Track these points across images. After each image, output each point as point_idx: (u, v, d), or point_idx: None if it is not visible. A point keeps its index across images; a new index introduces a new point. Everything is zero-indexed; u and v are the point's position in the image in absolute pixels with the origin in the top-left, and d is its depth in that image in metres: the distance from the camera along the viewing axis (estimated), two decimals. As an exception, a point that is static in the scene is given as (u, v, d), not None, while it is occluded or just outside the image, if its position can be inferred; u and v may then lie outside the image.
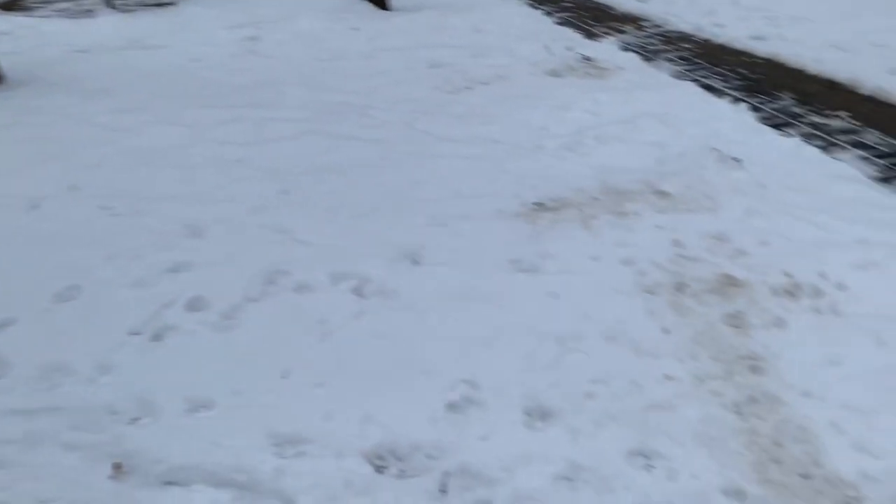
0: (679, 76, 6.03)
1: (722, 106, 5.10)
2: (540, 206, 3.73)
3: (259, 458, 2.31)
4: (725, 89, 5.67)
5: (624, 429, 2.41)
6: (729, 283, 3.05)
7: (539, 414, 2.50)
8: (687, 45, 7.16)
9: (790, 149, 4.37)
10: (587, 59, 6.29)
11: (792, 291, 2.98)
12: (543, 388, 2.59)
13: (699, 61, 6.57)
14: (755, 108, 5.21)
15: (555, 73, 5.94)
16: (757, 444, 2.31)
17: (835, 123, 4.98)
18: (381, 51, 6.91)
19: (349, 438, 2.39)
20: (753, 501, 2.13)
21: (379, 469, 2.31)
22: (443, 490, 2.23)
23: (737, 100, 5.31)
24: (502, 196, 3.85)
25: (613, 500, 2.17)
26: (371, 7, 9.08)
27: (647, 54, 6.75)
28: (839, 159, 4.31)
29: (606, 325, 2.86)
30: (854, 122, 5.01)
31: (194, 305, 3.02)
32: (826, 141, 4.66)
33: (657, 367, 2.64)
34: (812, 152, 4.38)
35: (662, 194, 3.78)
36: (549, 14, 8.93)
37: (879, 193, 3.83)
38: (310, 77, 6.12)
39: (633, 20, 8.56)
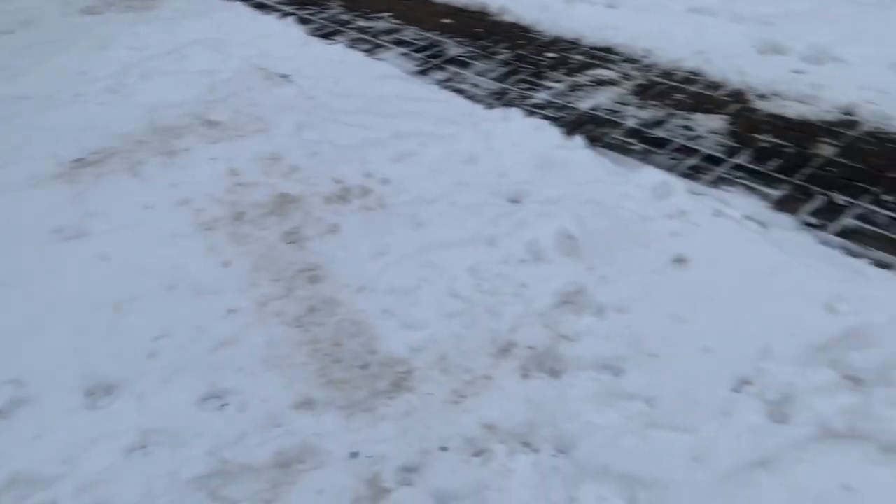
0: (230, -4, 5.83)
1: (271, 22, 5.07)
2: (80, 161, 3.38)
3: None
4: (276, 5, 5.64)
5: (193, 377, 2.34)
6: (284, 201, 3.09)
7: (102, 390, 2.32)
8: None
9: (337, 56, 4.52)
10: (128, -11, 5.77)
11: (343, 196, 3.12)
12: (102, 361, 2.40)
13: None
14: (304, 21, 5.27)
15: (91, 11, 5.35)
16: (319, 350, 2.41)
17: (379, 25, 5.26)
18: None
19: None
20: (321, 406, 2.23)
21: None
22: (-11, 512, 1.96)
23: (286, 14, 5.32)
24: (35, 159, 3.41)
25: (187, 453, 2.11)
26: None
27: (196, -23, 6.40)
28: (382, 59, 4.58)
29: (165, 275, 2.72)
30: (396, 21, 5.34)
31: None
32: (371, 43, 4.91)
33: (220, 303, 2.60)
34: (357, 57, 4.58)
35: (213, 124, 3.67)
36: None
37: (415, 86, 4.16)
38: None
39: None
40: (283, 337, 2.46)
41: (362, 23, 5.31)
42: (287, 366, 2.36)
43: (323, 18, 5.40)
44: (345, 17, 5.44)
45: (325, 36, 5.02)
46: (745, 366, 2.24)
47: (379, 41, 4.95)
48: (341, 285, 2.66)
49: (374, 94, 3.99)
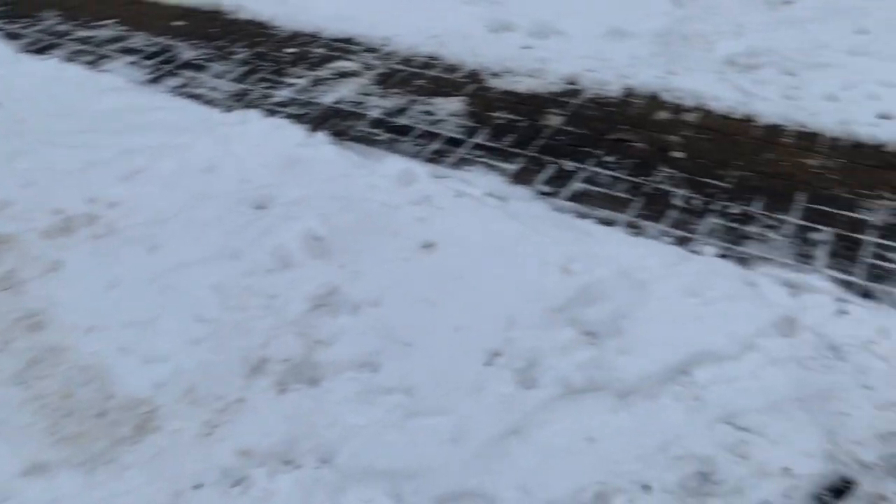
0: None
1: (-32, 41, 4.48)
2: None
3: None
4: (-24, 19, 5.00)
5: None
6: (-5, 244, 2.74)
7: None
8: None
9: (52, 72, 4.08)
10: None
11: (65, 227, 2.82)
12: None
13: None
14: (13, 36, 4.72)
15: None
16: (47, 406, 2.15)
17: (103, 34, 4.83)
18: None
19: None
20: (55, 467, 1.99)
21: None
22: None
23: (-12, 30, 4.74)
24: None
25: None
26: None
27: None
28: (107, 70, 4.21)
29: None
30: (122, 28, 4.94)
31: None
32: (94, 54, 4.50)
33: (-81, 375, 2.24)
34: (77, 70, 4.17)
35: None
36: None
37: (145, 96, 3.86)
38: None
39: None
40: (1, 398, 2.17)
41: (83, 33, 4.85)
42: (9, 430, 2.08)
43: (37, 31, 4.86)
44: (62, 27, 4.94)
45: (41, 51, 4.53)
46: (495, 338, 2.31)
47: (103, 51, 4.55)
48: (68, 328, 2.39)
49: (97, 109, 3.65)
